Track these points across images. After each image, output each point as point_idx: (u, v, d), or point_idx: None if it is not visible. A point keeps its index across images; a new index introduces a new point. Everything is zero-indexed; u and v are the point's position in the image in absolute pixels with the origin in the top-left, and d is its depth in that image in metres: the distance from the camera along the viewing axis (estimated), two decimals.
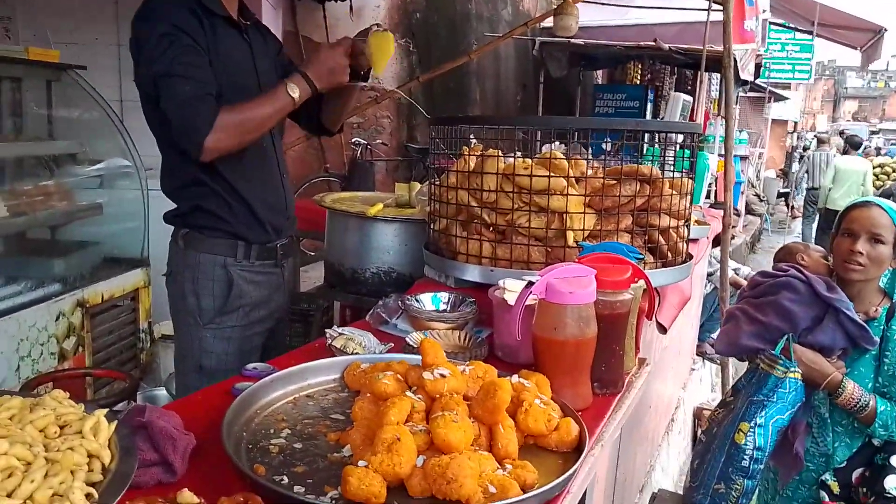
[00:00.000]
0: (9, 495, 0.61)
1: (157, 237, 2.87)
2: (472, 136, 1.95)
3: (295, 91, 1.65)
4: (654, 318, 1.76)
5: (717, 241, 3.81)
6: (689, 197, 1.71)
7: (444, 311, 1.58)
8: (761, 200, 14.37)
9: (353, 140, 6.13)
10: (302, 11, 6.21)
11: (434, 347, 1.12)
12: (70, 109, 3.06)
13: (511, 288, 1.37)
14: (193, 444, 0.98)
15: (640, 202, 1.56)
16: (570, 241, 1.52)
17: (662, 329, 1.76)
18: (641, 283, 1.40)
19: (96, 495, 0.66)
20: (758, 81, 11.11)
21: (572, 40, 7.05)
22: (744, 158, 10.18)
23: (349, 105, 1.99)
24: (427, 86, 6.79)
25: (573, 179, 1.59)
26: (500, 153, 1.59)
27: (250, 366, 1.30)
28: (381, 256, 2.16)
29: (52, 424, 0.74)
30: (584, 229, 1.54)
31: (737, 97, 9.07)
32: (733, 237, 5.33)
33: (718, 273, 3.96)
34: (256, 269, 1.83)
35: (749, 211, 12.73)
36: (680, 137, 1.88)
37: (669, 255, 1.65)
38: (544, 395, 1.11)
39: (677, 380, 3.81)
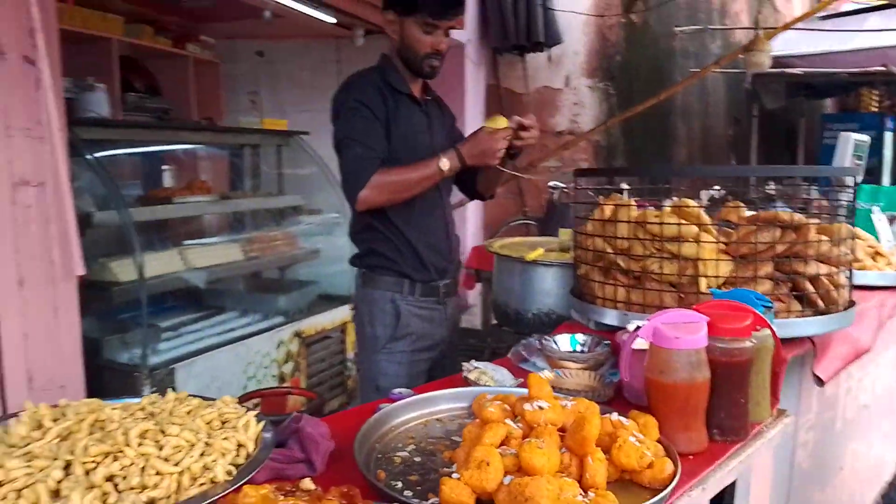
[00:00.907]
0: (176, 464, 0.87)
1: None
2: (623, 184, 2.04)
3: (445, 164, 1.94)
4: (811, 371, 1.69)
5: None
6: (849, 242, 1.64)
7: (581, 351, 1.67)
8: None
9: (550, 183, 6.31)
10: (503, 65, 6.59)
11: (539, 383, 1.24)
12: (295, 169, 3.63)
13: None
14: (332, 447, 1.20)
15: (782, 249, 1.54)
16: (703, 288, 1.54)
17: (819, 381, 1.67)
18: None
19: (235, 472, 0.90)
20: None
21: (788, 70, 6.65)
22: None
23: (501, 178, 2.26)
24: (626, 127, 6.78)
25: (710, 226, 1.61)
26: (632, 201, 1.67)
27: (396, 390, 1.51)
28: (541, 299, 2.29)
29: (216, 420, 0.99)
30: (717, 276, 1.55)
31: None
32: None
33: None
34: (421, 304, 2.10)
35: None
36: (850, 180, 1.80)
37: (821, 303, 1.58)
38: (641, 434, 1.17)
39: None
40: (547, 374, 1.57)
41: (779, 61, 6.73)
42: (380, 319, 2.07)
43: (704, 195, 2.22)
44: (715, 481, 1.21)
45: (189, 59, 4.78)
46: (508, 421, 1.18)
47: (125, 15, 4.33)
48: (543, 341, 1.68)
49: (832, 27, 6.78)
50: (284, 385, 2.94)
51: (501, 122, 1.98)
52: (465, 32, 5.74)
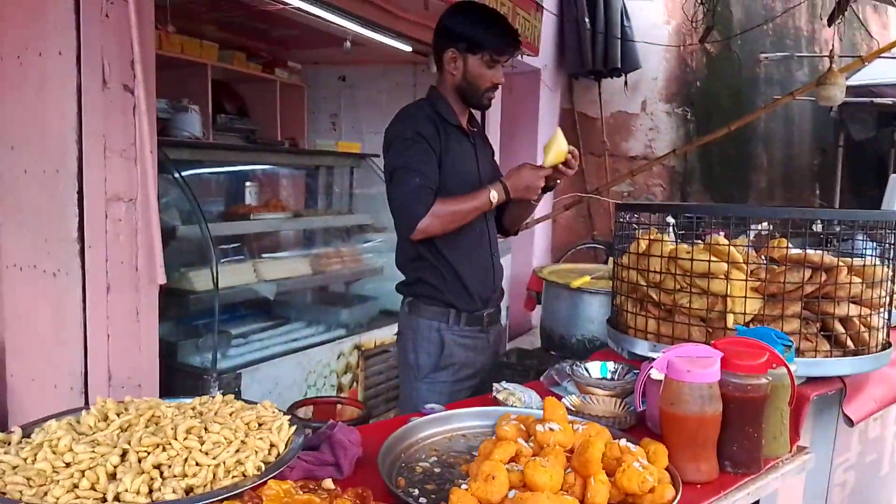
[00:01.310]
0: (214, 458, 1.01)
1: None
2: (669, 219, 2.09)
3: (495, 197, 2.01)
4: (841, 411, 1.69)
5: None
6: (886, 284, 1.64)
7: (610, 379, 1.74)
8: None
9: None
10: (578, 89, 6.65)
11: (553, 406, 1.33)
12: (365, 189, 3.81)
13: None
14: (359, 454, 1.32)
15: (810, 289, 1.56)
16: (730, 324, 1.58)
17: (849, 422, 1.67)
18: (796, 369, 1.42)
19: (263, 468, 1.03)
20: None
21: (877, 100, 6.40)
22: None
23: (528, 214, 2.36)
24: (704, 154, 6.70)
25: (742, 264, 1.65)
26: (664, 237, 1.72)
27: (428, 406, 1.62)
28: (586, 325, 2.36)
29: (254, 421, 1.13)
30: (745, 313, 1.59)
31: None
32: None
33: None
34: (465, 333, 2.14)
35: None
36: None
37: (851, 343, 1.59)
38: (647, 460, 1.23)
39: None
40: (574, 399, 1.65)
41: (869, 90, 6.49)
42: (424, 348, 2.12)
43: (752, 231, 2.22)
44: None
45: (276, 83, 5.09)
46: (521, 440, 1.27)
47: (219, 42, 4.68)
48: (574, 367, 1.75)
49: None
50: (341, 395, 3.10)
51: (560, 143, 2.01)
52: (541, 58, 5.84)
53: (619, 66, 6.22)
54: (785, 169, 7.32)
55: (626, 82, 6.49)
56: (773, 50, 7.22)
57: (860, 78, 6.65)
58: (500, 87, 2.17)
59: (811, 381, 1.62)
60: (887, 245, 1.62)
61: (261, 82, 5.04)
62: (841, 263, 1.58)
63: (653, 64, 6.60)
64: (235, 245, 3.06)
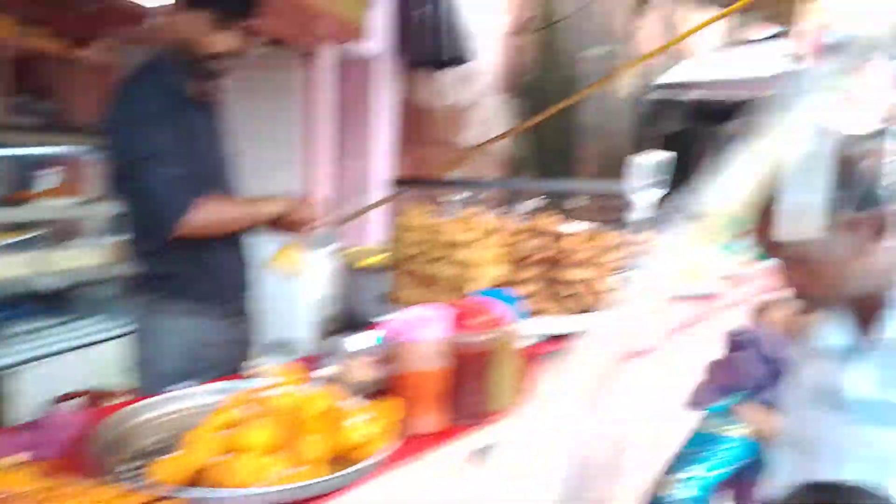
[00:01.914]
0: None
1: None
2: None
3: (274, 212, 1.79)
4: None
5: None
6: (619, 249, 1.81)
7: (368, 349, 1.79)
8: None
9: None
10: (414, 80, 6.69)
11: (288, 374, 1.36)
12: None
13: None
14: (72, 434, 1.27)
15: (543, 255, 1.70)
16: (470, 289, 1.68)
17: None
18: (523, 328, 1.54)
19: None
20: None
21: (684, 97, 7.02)
22: None
23: None
24: (538, 147, 7.03)
25: (493, 234, 1.76)
26: (423, 211, 1.81)
27: (181, 384, 1.58)
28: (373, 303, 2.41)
29: None
30: (490, 279, 1.70)
31: None
32: None
33: None
34: (221, 328, 1.87)
35: None
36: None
37: (580, 304, 1.75)
38: (370, 417, 1.28)
39: None
40: (335, 368, 1.68)
41: (680, 86, 7.13)
42: (175, 353, 1.78)
43: (527, 205, 2.37)
44: (438, 457, 1.33)
45: (84, 61, 4.74)
46: (244, 409, 1.27)
47: (20, 16, 4.27)
48: (339, 340, 1.79)
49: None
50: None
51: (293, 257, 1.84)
52: (375, 46, 5.83)
53: (455, 56, 6.34)
54: (604, 160, 7.82)
55: (461, 74, 6.65)
56: (597, 46, 7.68)
57: (672, 76, 7.29)
58: (233, 55, 1.79)
59: (553, 339, 1.76)
60: (613, 215, 1.79)
61: (68, 62, 4.68)
62: (571, 232, 1.73)
63: (487, 55, 6.81)
64: (16, 233, 2.82)
